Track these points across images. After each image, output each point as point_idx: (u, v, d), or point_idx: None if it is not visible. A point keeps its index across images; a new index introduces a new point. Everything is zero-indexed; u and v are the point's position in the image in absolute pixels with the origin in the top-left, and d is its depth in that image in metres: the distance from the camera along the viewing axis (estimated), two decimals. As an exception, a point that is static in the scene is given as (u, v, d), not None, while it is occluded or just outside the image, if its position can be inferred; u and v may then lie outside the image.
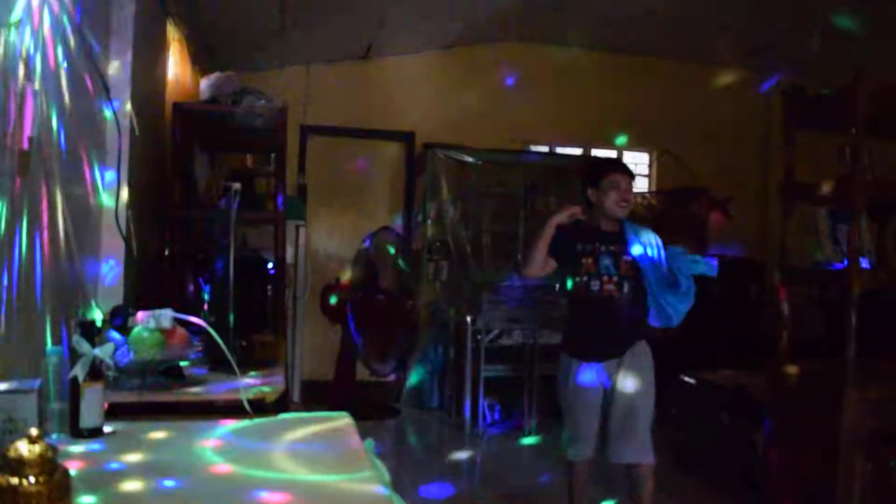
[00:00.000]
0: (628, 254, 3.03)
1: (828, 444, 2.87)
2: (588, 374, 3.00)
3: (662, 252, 3.06)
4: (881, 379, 3.08)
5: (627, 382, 2.97)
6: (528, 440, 4.82)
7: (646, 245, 3.05)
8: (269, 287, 3.17)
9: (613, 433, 2.96)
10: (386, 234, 5.52)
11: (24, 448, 1.09)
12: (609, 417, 2.98)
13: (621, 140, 6.58)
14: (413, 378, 5.67)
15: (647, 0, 5.15)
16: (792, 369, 3.15)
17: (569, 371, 3.03)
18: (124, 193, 2.42)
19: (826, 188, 3.09)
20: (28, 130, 1.65)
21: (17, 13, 1.58)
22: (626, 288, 3.01)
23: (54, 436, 1.54)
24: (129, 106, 2.52)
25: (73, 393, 1.58)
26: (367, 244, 5.44)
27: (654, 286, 3.03)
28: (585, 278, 3.01)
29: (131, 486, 1.34)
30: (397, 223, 6.11)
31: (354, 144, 6.15)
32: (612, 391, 2.98)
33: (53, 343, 1.66)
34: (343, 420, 1.82)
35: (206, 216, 3.38)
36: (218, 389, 2.00)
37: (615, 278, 3.01)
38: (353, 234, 6.02)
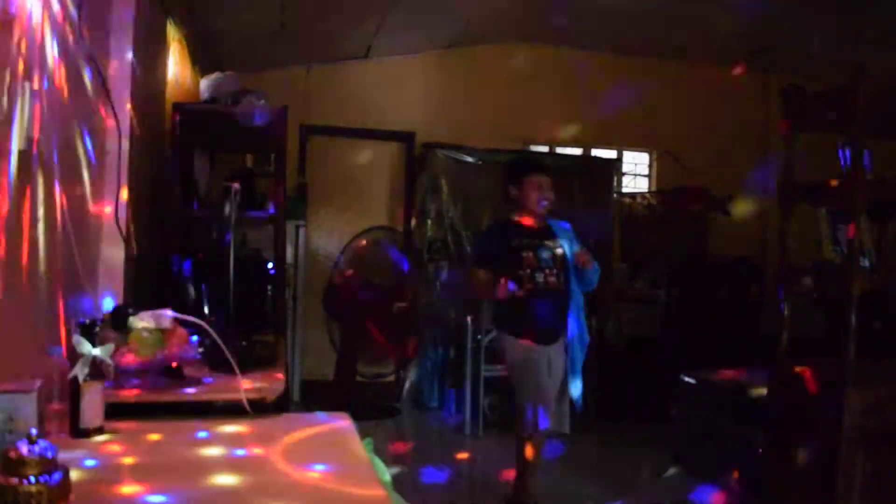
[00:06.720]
0: (561, 248, 3.37)
1: (828, 444, 2.87)
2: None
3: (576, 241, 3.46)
4: (881, 379, 3.07)
5: (560, 363, 3.38)
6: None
7: (571, 240, 3.42)
8: (269, 287, 3.17)
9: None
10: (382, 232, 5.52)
11: (24, 448, 1.09)
12: None
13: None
14: (413, 378, 5.67)
15: (648, 0, 5.15)
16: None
17: (528, 351, 3.31)
18: (124, 193, 2.42)
19: (826, 188, 3.08)
20: (28, 130, 1.65)
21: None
22: (562, 279, 3.35)
23: (54, 436, 1.54)
24: (128, 106, 2.51)
25: (73, 393, 1.58)
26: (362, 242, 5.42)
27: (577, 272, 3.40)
28: (528, 271, 3.28)
29: (131, 486, 1.34)
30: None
31: (354, 144, 6.14)
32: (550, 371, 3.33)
33: (53, 343, 1.66)
34: (343, 420, 1.82)
35: (206, 216, 3.38)
36: (218, 389, 2.00)
37: (555, 270, 3.33)
38: (353, 234, 6.03)
